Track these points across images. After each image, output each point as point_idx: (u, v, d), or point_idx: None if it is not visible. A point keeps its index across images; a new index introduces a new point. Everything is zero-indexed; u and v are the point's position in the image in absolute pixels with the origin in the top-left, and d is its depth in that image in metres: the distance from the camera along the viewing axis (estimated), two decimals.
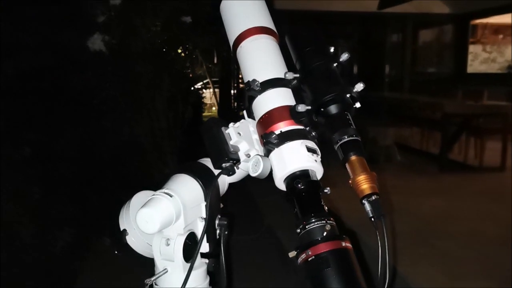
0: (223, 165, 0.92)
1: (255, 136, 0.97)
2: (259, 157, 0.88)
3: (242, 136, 0.95)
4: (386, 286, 0.76)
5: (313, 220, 0.79)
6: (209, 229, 0.94)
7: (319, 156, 0.88)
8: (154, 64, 4.40)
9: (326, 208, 0.83)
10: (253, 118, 0.98)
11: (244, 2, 1.06)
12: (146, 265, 1.02)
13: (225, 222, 0.96)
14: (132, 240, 1.03)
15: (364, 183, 0.78)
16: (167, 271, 0.94)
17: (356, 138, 0.82)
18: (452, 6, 9.28)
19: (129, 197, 1.07)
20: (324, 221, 0.79)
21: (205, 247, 0.95)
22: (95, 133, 3.62)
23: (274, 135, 0.87)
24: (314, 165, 0.86)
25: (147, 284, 0.92)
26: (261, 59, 0.99)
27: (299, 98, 0.92)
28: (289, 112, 0.90)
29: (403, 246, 3.32)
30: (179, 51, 5.37)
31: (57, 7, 3.26)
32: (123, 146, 3.91)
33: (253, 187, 4.31)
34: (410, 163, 6.40)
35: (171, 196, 0.91)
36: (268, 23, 1.04)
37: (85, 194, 3.30)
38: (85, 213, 3.20)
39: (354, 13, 9.34)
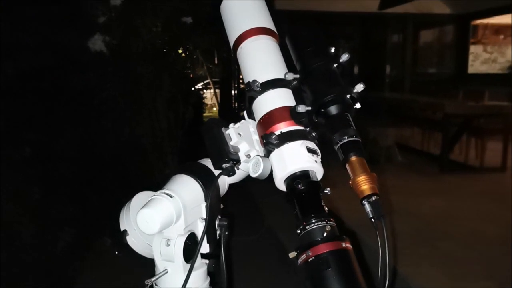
0: (224, 165, 0.92)
1: (256, 137, 0.97)
2: (259, 157, 0.88)
3: (242, 136, 0.95)
4: (386, 287, 0.76)
5: (313, 221, 0.79)
6: (209, 230, 0.94)
7: (319, 157, 0.88)
8: (154, 65, 4.40)
9: (326, 208, 0.83)
10: (254, 119, 0.98)
11: (244, 2, 1.06)
12: (147, 266, 1.02)
13: (225, 223, 0.96)
14: (133, 241, 1.03)
15: (364, 183, 0.78)
16: (167, 272, 0.94)
17: (356, 138, 0.82)
18: (453, 7, 9.28)
19: (129, 197, 1.07)
20: (324, 222, 0.79)
21: (205, 248, 0.95)
22: (95, 134, 3.63)
23: (275, 136, 0.87)
24: (315, 166, 0.86)
25: (147, 284, 0.92)
26: (261, 60, 0.99)
27: (299, 99, 0.92)
28: (290, 113, 0.90)
29: (404, 246, 3.32)
30: (180, 51, 5.37)
31: (58, 8, 3.26)
32: (124, 147, 3.92)
33: (254, 188, 4.31)
34: (411, 163, 6.40)
35: (171, 196, 0.91)
36: (268, 23, 1.04)
37: (85, 194, 3.31)
38: (85, 213, 3.20)
39: (354, 14, 9.35)
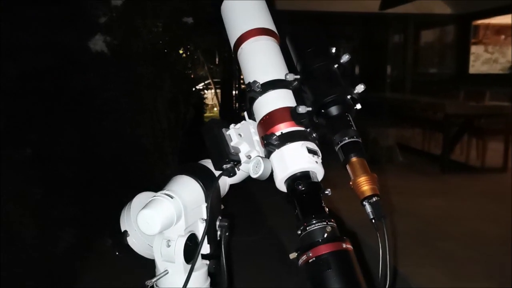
0: (224, 166, 0.92)
1: (256, 138, 0.97)
2: (260, 158, 0.88)
3: (243, 137, 0.95)
4: (387, 287, 0.76)
5: (314, 222, 0.79)
6: (210, 231, 0.94)
7: (320, 158, 0.88)
8: (155, 65, 4.40)
9: (327, 209, 0.83)
10: (254, 120, 0.98)
11: (245, 3, 1.06)
12: (147, 266, 1.02)
13: (226, 224, 0.96)
14: (133, 241, 1.03)
15: (364, 184, 0.78)
16: (168, 273, 0.94)
17: (357, 139, 0.82)
18: (454, 7, 9.27)
19: (130, 198, 1.07)
20: (325, 223, 0.79)
21: (206, 249, 0.95)
22: (96, 134, 3.63)
23: (275, 137, 0.87)
24: (315, 167, 0.86)
25: (147, 285, 0.92)
26: (262, 61, 0.99)
27: (300, 100, 0.92)
28: (290, 114, 0.90)
29: (405, 246, 3.32)
30: (181, 51, 5.38)
31: (59, 8, 3.26)
32: (124, 147, 3.92)
33: (254, 188, 4.31)
34: (412, 163, 6.40)
35: (172, 197, 0.91)
36: (269, 24, 1.04)
37: (86, 194, 3.31)
38: (86, 214, 3.20)
39: (355, 14, 9.34)
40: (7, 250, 2.56)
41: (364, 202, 0.78)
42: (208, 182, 0.96)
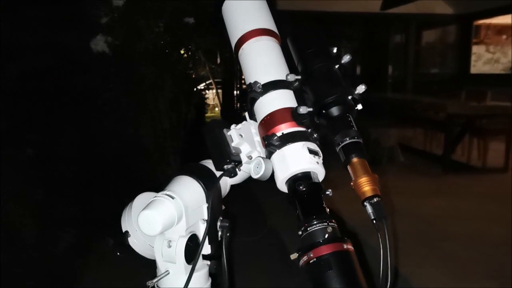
0: (225, 167, 0.92)
1: (257, 138, 0.97)
2: (260, 159, 0.88)
3: (244, 138, 0.95)
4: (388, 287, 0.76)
5: (315, 222, 0.79)
6: (211, 231, 0.94)
7: (321, 158, 0.88)
8: (157, 65, 4.40)
9: (328, 210, 0.83)
10: (255, 120, 0.98)
11: (246, 3, 1.06)
12: (148, 267, 1.02)
13: (227, 224, 0.96)
14: (134, 242, 1.03)
15: (365, 185, 0.78)
16: (169, 273, 0.94)
17: (358, 140, 0.82)
18: (455, 7, 9.26)
19: (131, 198, 1.07)
20: (326, 223, 0.79)
21: (207, 249, 0.95)
22: (97, 134, 3.63)
23: (276, 137, 0.87)
24: (316, 167, 0.86)
25: (149, 286, 0.92)
26: (262, 61, 0.99)
27: (301, 100, 0.92)
28: (291, 114, 0.90)
29: (406, 246, 3.31)
30: (182, 52, 5.38)
31: (61, 8, 3.27)
32: (126, 147, 3.92)
33: (255, 189, 4.31)
34: (413, 164, 6.40)
35: (173, 198, 0.91)
36: (270, 24, 1.04)
37: (87, 195, 3.31)
38: (87, 214, 3.20)
39: (357, 14, 9.33)
40: (8, 250, 2.57)
41: (365, 203, 0.78)
42: (209, 182, 0.96)
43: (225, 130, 0.95)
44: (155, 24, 4.44)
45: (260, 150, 0.95)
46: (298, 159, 0.85)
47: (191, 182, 0.96)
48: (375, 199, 0.77)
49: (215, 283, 1.01)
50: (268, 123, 0.91)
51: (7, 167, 2.66)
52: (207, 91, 8.85)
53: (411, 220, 3.95)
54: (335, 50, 0.94)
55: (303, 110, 0.86)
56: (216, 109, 11.04)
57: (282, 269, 3.03)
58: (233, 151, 0.92)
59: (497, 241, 3.50)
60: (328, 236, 0.77)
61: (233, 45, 1.05)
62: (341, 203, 2.23)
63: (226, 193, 1.03)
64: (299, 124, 0.89)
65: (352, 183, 0.80)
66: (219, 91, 10.35)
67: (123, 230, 1.04)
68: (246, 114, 1.01)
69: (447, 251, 3.41)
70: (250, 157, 0.93)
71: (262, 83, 0.94)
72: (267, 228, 3.85)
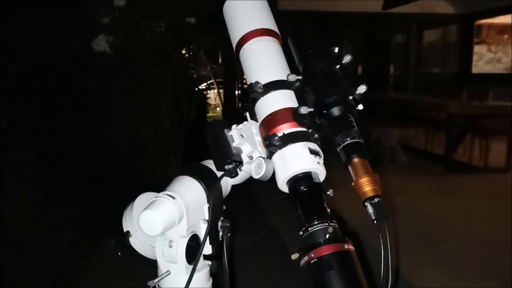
0: (226, 167, 0.92)
1: (258, 138, 0.97)
2: (261, 159, 0.88)
3: (244, 138, 0.95)
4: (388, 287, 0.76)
5: (316, 223, 0.79)
6: (212, 231, 0.94)
7: (322, 158, 0.88)
8: (158, 65, 4.40)
9: (329, 210, 0.83)
10: (256, 120, 0.98)
11: (247, 3, 1.06)
12: (149, 267, 1.02)
13: (228, 224, 0.96)
14: (135, 242, 1.03)
15: (366, 185, 0.78)
16: (170, 273, 0.94)
17: (358, 140, 0.82)
18: (457, 6, 9.25)
19: (132, 198, 1.07)
20: (327, 224, 0.79)
21: (208, 249, 0.95)
22: (99, 134, 3.63)
23: (277, 137, 0.87)
24: (317, 167, 0.86)
25: (150, 286, 0.92)
26: (263, 61, 0.99)
27: (301, 100, 0.92)
28: (292, 114, 0.90)
29: (407, 246, 3.31)
30: (183, 52, 5.38)
31: (62, 8, 3.27)
32: (127, 147, 3.92)
33: (256, 189, 4.31)
34: (415, 163, 6.39)
35: (174, 198, 0.91)
36: (271, 25, 1.04)
37: (88, 195, 3.31)
38: (88, 214, 3.20)
39: (358, 14, 9.33)
40: (9, 250, 2.57)
41: (366, 203, 0.78)
42: (210, 182, 0.96)
43: (226, 130, 0.95)
44: (156, 24, 4.43)
45: (261, 150, 0.95)
46: (299, 159, 0.85)
47: (192, 182, 0.96)
48: (376, 200, 0.77)
49: (216, 283, 1.01)
50: (269, 123, 0.92)
51: (7, 167, 2.66)
52: (208, 91, 8.85)
53: (412, 220, 3.95)
54: (336, 50, 0.94)
55: (304, 110, 0.87)
56: (218, 109, 11.05)
57: (283, 269, 3.03)
58: (234, 151, 0.93)
59: (498, 241, 3.50)
60: (329, 236, 0.77)
61: (234, 45, 1.05)
62: (342, 203, 2.23)
63: (227, 193, 1.03)
64: (300, 124, 0.89)
65: (353, 184, 0.80)
66: (221, 91, 10.36)
67: (124, 230, 1.04)
68: (247, 114, 1.01)
69: (448, 251, 3.41)
70: (251, 157, 0.93)
71: (263, 83, 0.94)
72: (268, 228, 3.85)
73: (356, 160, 0.81)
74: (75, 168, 3.20)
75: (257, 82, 0.94)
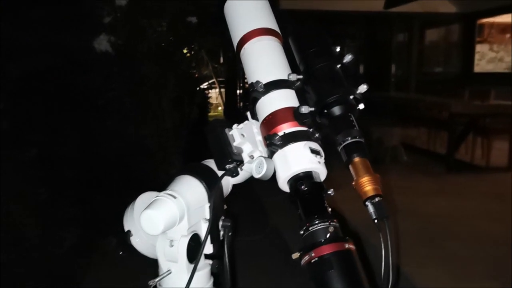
0: (227, 166, 0.92)
1: (259, 138, 0.97)
2: (262, 158, 0.88)
3: (245, 137, 0.95)
4: (389, 287, 0.76)
5: (317, 222, 0.79)
6: (212, 230, 0.94)
7: (323, 158, 0.88)
8: (159, 65, 4.41)
9: (330, 209, 0.83)
10: (257, 119, 0.98)
11: (248, 3, 1.06)
12: (150, 266, 1.02)
13: (229, 223, 0.96)
14: (137, 241, 1.03)
15: (367, 185, 0.78)
16: (171, 272, 0.94)
17: (359, 139, 0.82)
18: (459, 5, 9.24)
19: (134, 198, 1.07)
20: (328, 223, 0.79)
21: (209, 248, 0.95)
22: (100, 134, 3.64)
23: (278, 137, 0.87)
24: (318, 167, 0.86)
25: (150, 285, 0.92)
26: (264, 61, 0.99)
27: (302, 100, 0.92)
28: (293, 114, 0.90)
29: (408, 246, 3.31)
30: (185, 51, 5.38)
31: (63, 8, 3.27)
32: (128, 147, 3.92)
33: (257, 188, 4.31)
34: (417, 163, 6.39)
35: (174, 197, 0.91)
36: (272, 24, 1.04)
37: (90, 194, 3.32)
38: (89, 214, 3.21)
39: (360, 13, 9.32)
40: (10, 250, 2.57)
41: (366, 203, 0.78)
42: (211, 182, 0.96)
43: (227, 130, 0.95)
44: (158, 24, 4.44)
45: (262, 150, 0.95)
46: (299, 159, 0.86)
47: (193, 182, 0.96)
48: (376, 199, 0.77)
49: (216, 283, 1.01)
50: (270, 123, 0.92)
51: (8, 167, 2.67)
52: (210, 90, 8.85)
53: (414, 219, 3.95)
54: (338, 49, 0.94)
55: (305, 109, 0.87)
56: (219, 108, 11.04)
57: (284, 269, 3.02)
58: (235, 151, 0.93)
59: (499, 240, 3.49)
60: (329, 236, 0.77)
61: (235, 45, 1.05)
62: (343, 203, 2.23)
63: (228, 193, 1.03)
64: (301, 123, 0.89)
65: (353, 183, 0.80)
66: (222, 90, 10.35)
67: (126, 230, 1.04)
68: (248, 113, 1.01)
69: (449, 250, 3.40)
70: (252, 157, 0.93)
71: (264, 82, 0.94)
72: (269, 227, 3.85)
73: (356, 159, 0.80)
74: (76, 167, 3.20)
75: (258, 82, 0.94)
